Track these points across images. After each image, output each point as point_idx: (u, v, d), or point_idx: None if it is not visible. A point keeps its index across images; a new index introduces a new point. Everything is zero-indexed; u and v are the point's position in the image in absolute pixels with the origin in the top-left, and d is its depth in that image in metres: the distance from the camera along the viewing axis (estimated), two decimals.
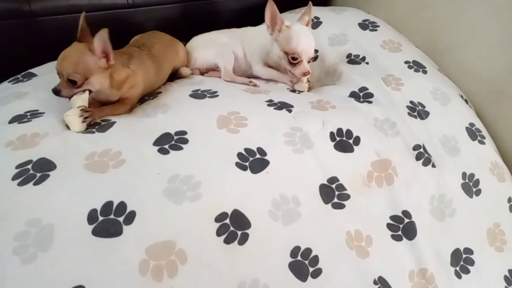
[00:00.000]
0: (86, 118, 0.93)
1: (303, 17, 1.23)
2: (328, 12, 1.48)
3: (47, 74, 1.17)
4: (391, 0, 1.52)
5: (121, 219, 0.76)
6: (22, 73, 1.18)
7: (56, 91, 0.94)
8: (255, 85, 1.22)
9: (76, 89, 0.94)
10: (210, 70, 1.32)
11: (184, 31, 1.38)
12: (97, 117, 0.97)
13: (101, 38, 0.92)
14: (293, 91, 1.21)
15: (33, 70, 1.19)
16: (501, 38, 1.17)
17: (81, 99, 0.95)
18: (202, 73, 1.32)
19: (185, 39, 1.38)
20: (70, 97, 0.95)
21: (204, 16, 1.52)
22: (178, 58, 1.28)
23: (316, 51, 1.33)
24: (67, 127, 0.93)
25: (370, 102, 1.12)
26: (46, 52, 1.28)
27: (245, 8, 1.55)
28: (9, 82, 1.14)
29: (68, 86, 0.94)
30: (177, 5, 1.46)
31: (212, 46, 1.33)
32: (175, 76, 1.28)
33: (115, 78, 0.99)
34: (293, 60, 1.17)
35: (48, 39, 1.33)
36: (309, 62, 1.18)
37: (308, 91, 1.23)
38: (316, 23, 1.42)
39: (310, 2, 1.24)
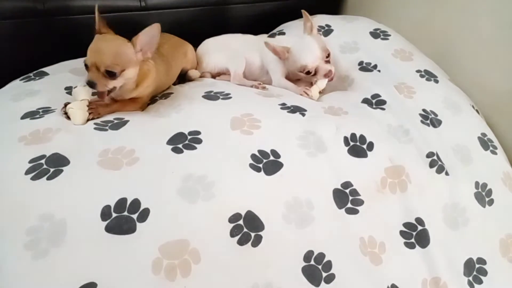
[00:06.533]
0: (90, 113, 0.93)
1: (306, 26, 1.26)
2: (339, 20, 1.49)
3: (58, 73, 1.17)
4: (402, 10, 1.53)
5: (134, 216, 0.75)
6: (34, 72, 1.17)
7: (92, 84, 0.91)
8: (264, 88, 1.21)
9: (111, 81, 0.92)
10: (222, 74, 1.33)
11: (196, 35, 1.38)
12: (103, 112, 0.96)
13: (150, 34, 0.93)
14: None
15: (45, 69, 1.19)
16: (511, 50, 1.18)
17: (86, 91, 0.94)
18: (213, 77, 1.32)
19: (196, 43, 1.38)
20: (103, 92, 0.94)
21: (217, 21, 1.53)
22: (186, 59, 1.29)
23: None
24: (67, 117, 0.92)
25: (383, 109, 1.11)
26: (58, 51, 1.29)
27: (258, 14, 1.56)
28: (21, 80, 1.14)
29: (104, 79, 0.91)
30: (190, 9, 1.47)
31: (224, 50, 1.33)
32: (185, 79, 1.28)
33: (140, 73, 0.99)
34: (309, 73, 1.19)
35: (61, 38, 1.35)
36: (327, 61, 1.20)
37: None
38: (327, 31, 1.43)
39: (302, 11, 1.26)
